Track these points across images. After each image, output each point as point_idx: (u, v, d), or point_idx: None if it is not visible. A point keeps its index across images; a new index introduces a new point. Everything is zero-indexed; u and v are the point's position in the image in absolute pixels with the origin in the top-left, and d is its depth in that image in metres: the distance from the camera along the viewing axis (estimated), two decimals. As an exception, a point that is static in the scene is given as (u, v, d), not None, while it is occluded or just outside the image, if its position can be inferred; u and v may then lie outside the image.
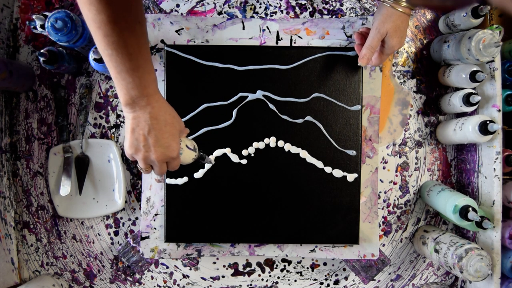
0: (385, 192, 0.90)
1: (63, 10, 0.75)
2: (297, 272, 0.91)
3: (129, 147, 0.59)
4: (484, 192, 0.83)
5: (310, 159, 0.81)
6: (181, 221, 0.81)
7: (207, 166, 0.81)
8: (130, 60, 0.54)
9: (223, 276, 0.91)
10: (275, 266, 0.91)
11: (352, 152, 0.81)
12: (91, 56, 0.79)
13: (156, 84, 0.60)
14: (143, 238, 0.83)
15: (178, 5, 0.89)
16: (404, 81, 0.90)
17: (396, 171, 0.90)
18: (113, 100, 0.89)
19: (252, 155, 0.81)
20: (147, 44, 0.57)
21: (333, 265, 0.91)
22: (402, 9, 0.69)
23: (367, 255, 0.84)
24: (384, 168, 0.90)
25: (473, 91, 0.81)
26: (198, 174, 0.81)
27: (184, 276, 0.91)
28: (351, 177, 0.81)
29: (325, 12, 0.90)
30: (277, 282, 0.91)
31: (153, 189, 0.83)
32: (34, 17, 0.77)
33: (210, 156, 0.77)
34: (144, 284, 0.91)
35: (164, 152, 0.60)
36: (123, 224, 0.90)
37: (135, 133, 0.58)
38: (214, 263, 0.91)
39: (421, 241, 0.87)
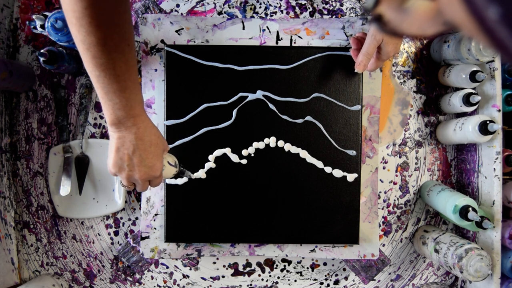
0: (385, 192, 0.90)
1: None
2: (297, 272, 0.91)
3: (112, 166, 0.60)
4: (484, 192, 0.83)
5: (310, 159, 0.81)
6: (181, 221, 0.81)
7: (207, 166, 0.81)
8: (118, 82, 0.54)
9: (223, 276, 0.91)
10: (275, 266, 0.91)
11: (352, 152, 0.81)
12: (91, 56, 0.79)
13: (142, 105, 0.60)
14: (143, 238, 0.83)
15: (178, 5, 0.89)
16: (404, 81, 0.90)
17: (396, 171, 0.90)
18: (113, 100, 0.89)
19: (252, 155, 0.81)
20: (135, 65, 0.57)
21: (333, 265, 0.91)
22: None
23: (367, 255, 0.84)
24: (384, 168, 0.90)
25: (473, 91, 0.81)
26: (198, 174, 0.81)
27: (184, 276, 0.91)
28: (351, 177, 0.81)
29: (325, 12, 0.90)
30: (277, 282, 0.91)
31: (153, 189, 0.83)
32: (34, 17, 0.77)
33: (190, 172, 0.79)
34: (144, 284, 0.91)
35: (147, 172, 0.60)
36: (123, 224, 0.90)
37: (120, 153, 0.59)
38: (214, 263, 0.91)
39: (421, 241, 0.87)
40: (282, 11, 0.89)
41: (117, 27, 0.52)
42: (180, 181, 0.81)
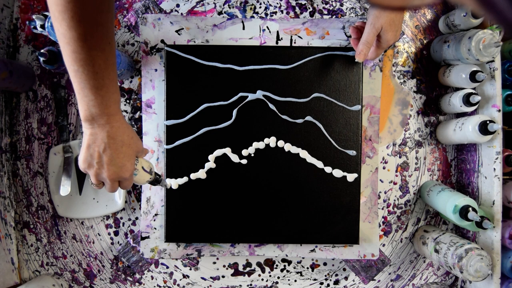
0: (385, 192, 0.90)
1: (63, 10, 0.75)
2: (297, 272, 0.91)
3: (82, 162, 0.60)
4: (484, 192, 0.83)
5: (310, 159, 0.81)
6: (181, 221, 0.81)
7: (207, 166, 0.81)
8: (95, 79, 0.55)
9: (223, 276, 0.91)
10: (275, 266, 0.91)
11: (352, 152, 0.81)
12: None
13: (118, 105, 0.60)
14: (143, 238, 0.83)
15: (178, 5, 0.89)
16: (404, 81, 0.90)
17: (396, 171, 0.90)
18: (113, 100, 0.89)
19: (252, 155, 0.81)
20: (115, 64, 0.57)
21: (333, 265, 0.91)
22: (391, 10, 0.69)
23: (367, 255, 0.84)
24: (384, 168, 0.90)
25: (473, 91, 0.81)
26: (198, 174, 0.81)
27: (184, 276, 0.91)
28: (351, 177, 0.81)
29: (325, 12, 0.90)
30: (277, 282, 0.91)
31: (153, 189, 0.83)
32: (34, 17, 0.77)
33: (167, 180, 0.78)
34: (144, 284, 0.91)
35: (116, 172, 0.60)
36: (123, 224, 0.90)
37: (90, 149, 0.59)
38: (214, 263, 0.91)
39: (421, 241, 0.87)
40: (282, 11, 0.89)
41: (99, 25, 0.53)
42: (180, 181, 0.81)
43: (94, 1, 0.51)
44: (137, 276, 0.91)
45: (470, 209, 0.74)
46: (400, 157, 0.90)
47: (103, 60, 0.54)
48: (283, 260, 0.91)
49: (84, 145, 0.59)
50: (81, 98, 0.56)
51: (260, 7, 0.89)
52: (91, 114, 0.57)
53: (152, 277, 0.91)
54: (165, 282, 0.91)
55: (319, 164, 0.81)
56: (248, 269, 0.91)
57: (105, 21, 0.53)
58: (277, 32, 0.84)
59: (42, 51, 0.79)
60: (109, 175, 0.60)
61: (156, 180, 0.70)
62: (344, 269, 0.91)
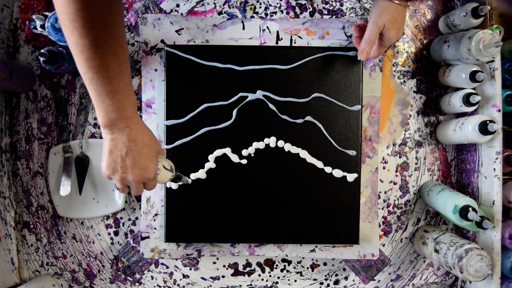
0: (385, 192, 0.90)
1: (63, 10, 0.75)
2: (297, 272, 0.91)
3: (106, 168, 0.60)
4: (484, 192, 0.83)
5: (310, 159, 0.81)
6: (181, 221, 0.81)
7: (207, 166, 0.81)
8: (111, 84, 0.55)
9: (223, 276, 0.91)
10: (275, 266, 0.91)
11: (352, 152, 0.81)
12: (91, 56, 0.79)
13: (135, 107, 0.60)
14: (143, 238, 0.83)
15: (178, 5, 0.89)
16: (404, 81, 0.90)
17: (396, 171, 0.90)
18: (113, 100, 0.89)
19: (252, 155, 0.81)
20: (128, 67, 0.57)
21: (333, 265, 0.91)
22: (398, 1, 0.69)
23: (367, 255, 0.84)
24: (384, 168, 0.90)
25: (473, 91, 0.81)
26: (198, 174, 0.81)
27: (184, 276, 0.91)
28: (351, 177, 0.81)
29: (325, 12, 0.90)
30: (277, 282, 0.91)
31: (153, 189, 0.83)
32: (34, 17, 0.77)
33: (187, 177, 0.78)
34: (144, 284, 0.91)
35: (141, 174, 0.60)
36: (123, 224, 0.90)
37: (113, 155, 0.59)
38: (214, 263, 0.91)
39: (421, 241, 0.87)
40: (282, 11, 0.89)
41: (110, 29, 0.52)
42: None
43: (103, 6, 0.50)
44: (137, 276, 0.91)
45: (470, 209, 0.74)
46: (400, 157, 0.90)
47: (117, 64, 0.54)
48: (283, 260, 0.91)
49: (106, 151, 0.59)
50: (98, 105, 0.56)
51: (260, 7, 0.89)
52: (110, 119, 0.57)
53: (152, 277, 0.91)
54: (165, 282, 0.91)
55: (319, 164, 0.81)
56: (248, 269, 0.91)
57: (116, 24, 0.53)
58: (277, 32, 0.84)
59: (42, 51, 0.79)
60: (134, 178, 0.60)
61: (177, 177, 0.70)
62: (344, 269, 0.91)
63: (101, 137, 0.89)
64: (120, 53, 0.54)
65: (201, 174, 0.81)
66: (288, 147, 0.81)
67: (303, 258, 0.91)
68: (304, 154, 0.81)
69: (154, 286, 0.91)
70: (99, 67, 0.53)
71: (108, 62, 0.53)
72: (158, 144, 0.65)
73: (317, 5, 0.90)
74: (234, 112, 0.81)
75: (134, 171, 0.60)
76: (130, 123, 0.59)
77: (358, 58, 0.74)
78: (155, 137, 0.64)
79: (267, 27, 0.83)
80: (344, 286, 0.92)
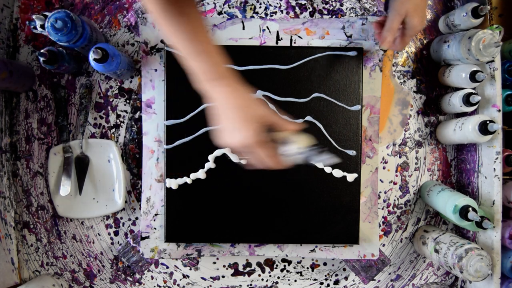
0: (385, 192, 0.90)
1: (63, 10, 0.75)
2: (297, 272, 0.91)
3: (243, 120, 0.54)
4: (484, 192, 0.83)
5: (310, 159, 0.81)
6: (181, 221, 0.81)
7: (207, 166, 0.81)
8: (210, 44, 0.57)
9: (223, 276, 0.91)
10: (275, 266, 0.91)
11: (352, 152, 0.81)
12: (91, 56, 0.79)
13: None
14: (143, 238, 0.83)
15: (178, 5, 0.89)
16: (404, 81, 0.90)
17: (396, 171, 0.90)
18: (113, 100, 0.89)
19: (252, 155, 0.81)
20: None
21: (333, 265, 0.91)
22: None
23: (367, 255, 0.84)
24: (384, 168, 0.90)
25: (473, 91, 0.81)
26: (198, 174, 0.81)
27: (184, 276, 0.91)
28: (351, 177, 0.81)
29: (325, 12, 0.90)
30: (277, 282, 0.91)
31: (153, 189, 0.83)
32: (34, 17, 0.77)
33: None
34: (144, 284, 0.91)
35: (264, 114, 0.57)
36: (123, 224, 0.90)
37: (237, 103, 0.55)
38: (214, 263, 0.91)
39: (421, 241, 0.87)
40: (282, 11, 0.89)
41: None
42: (180, 181, 0.81)
43: None
44: (137, 276, 0.91)
45: (470, 209, 0.74)
46: (400, 157, 0.90)
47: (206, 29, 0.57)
48: (283, 260, 0.91)
49: (230, 110, 0.55)
50: (205, 59, 0.57)
51: (260, 7, 0.89)
52: (216, 71, 0.57)
53: (152, 277, 0.91)
54: (165, 282, 0.91)
55: (319, 164, 0.81)
56: (248, 269, 0.91)
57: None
58: (277, 32, 0.84)
59: (42, 51, 0.79)
60: (275, 119, 0.56)
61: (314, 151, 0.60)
62: (344, 269, 0.91)
63: (101, 137, 0.89)
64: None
65: (201, 174, 0.81)
66: (288, 147, 0.81)
67: (303, 258, 0.91)
68: (304, 154, 0.81)
69: (154, 286, 0.91)
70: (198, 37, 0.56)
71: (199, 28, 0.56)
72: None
73: (317, 5, 0.90)
74: (234, 112, 0.81)
75: (259, 108, 0.57)
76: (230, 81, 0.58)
77: (380, 48, 0.72)
78: None
79: (267, 27, 0.83)
80: (344, 286, 0.92)
